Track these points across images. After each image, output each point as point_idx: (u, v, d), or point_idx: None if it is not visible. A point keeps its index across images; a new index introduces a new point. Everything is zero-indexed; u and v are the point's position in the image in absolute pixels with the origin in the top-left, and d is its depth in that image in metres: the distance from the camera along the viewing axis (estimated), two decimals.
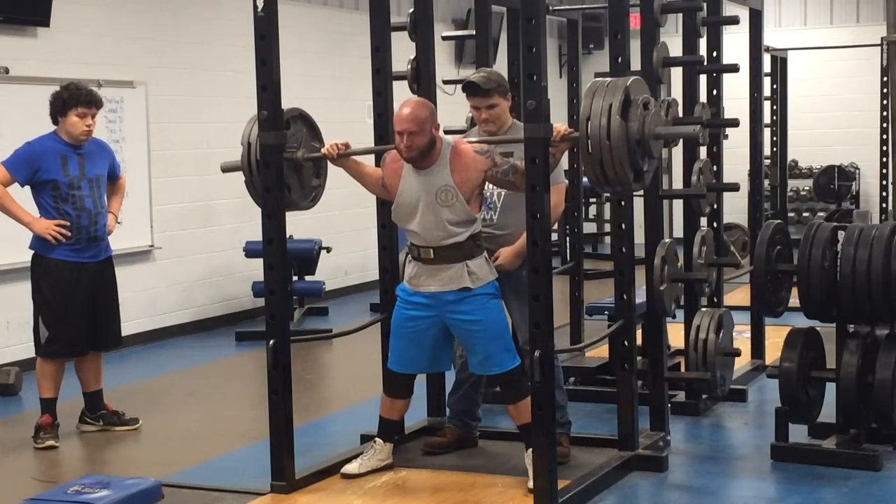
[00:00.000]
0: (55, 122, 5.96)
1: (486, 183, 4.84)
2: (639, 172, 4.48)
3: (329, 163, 5.09)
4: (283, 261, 4.92)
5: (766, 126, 9.38)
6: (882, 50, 10.57)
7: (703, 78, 6.50)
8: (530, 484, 4.68)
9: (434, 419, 5.75)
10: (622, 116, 4.35)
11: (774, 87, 10.28)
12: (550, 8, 7.55)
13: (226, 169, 5.23)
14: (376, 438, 5.17)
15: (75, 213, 5.88)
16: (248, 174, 5.03)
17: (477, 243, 4.84)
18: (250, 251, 8.87)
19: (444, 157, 4.79)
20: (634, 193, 5.17)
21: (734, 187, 6.25)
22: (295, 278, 9.15)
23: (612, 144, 4.33)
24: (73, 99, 5.89)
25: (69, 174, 5.89)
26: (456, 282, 4.80)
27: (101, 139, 6.34)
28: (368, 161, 5.25)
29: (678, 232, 8.65)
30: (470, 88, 5.12)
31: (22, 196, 6.01)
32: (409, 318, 4.93)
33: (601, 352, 6.92)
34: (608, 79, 4.56)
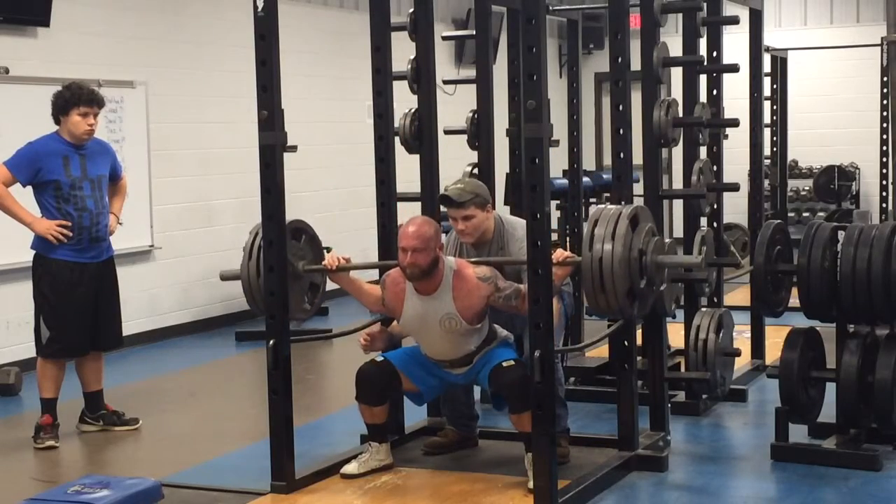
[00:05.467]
0: (57, 121, 5.96)
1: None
2: (640, 299, 4.52)
3: (328, 279, 5.18)
4: (283, 261, 4.92)
5: (766, 126, 9.38)
6: (882, 50, 10.58)
7: (703, 78, 6.50)
8: (530, 484, 4.68)
9: (434, 419, 5.75)
10: (626, 248, 4.39)
11: (774, 87, 10.27)
12: (550, 8, 7.55)
13: (225, 277, 5.27)
14: (371, 442, 5.17)
15: (77, 213, 5.88)
16: (248, 282, 5.07)
17: (487, 340, 4.96)
18: None
19: (447, 282, 4.84)
20: (634, 194, 5.18)
21: (734, 187, 6.25)
22: None
23: (615, 276, 4.38)
24: (75, 98, 5.89)
25: (71, 174, 5.89)
26: (468, 370, 5.00)
27: (102, 139, 6.35)
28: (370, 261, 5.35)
29: (678, 232, 8.65)
30: (445, 201, 5.13)
31: (23, 196, 6.01)
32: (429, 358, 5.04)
33: (601, 352, 6.92)
34: (612, 206, 4.63)
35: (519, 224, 5.12)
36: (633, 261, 4.49)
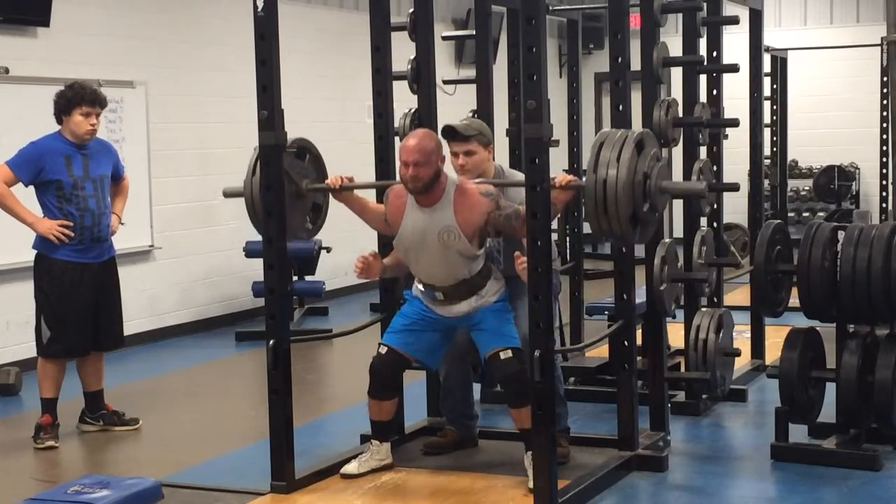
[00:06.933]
0: (59, 121, 5.96)
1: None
2: (643, 225, 4.49)
3: (331, 197, 5.16)
4: (283, 261, 4.92)
5: (766, 126, 9.38)
6: (882, 50, 10.57)
7: (703, 78, 6.50)
8: (530, 484, 4.68)
9: (434, 419, 5.75)
10: (630, 170, 4.37)
11: (774, 87, 10.27)
12: (550, 8, 7.55)
13: (228, 194, 5.27)
14: (372, 440, 5.17)
15: (79, 213, 5.88)
16: (251, 199, 5.06)
17: (483, 275, 4.89)
18: (250, 251, 8.86)
19: (448, 196, 4.81)
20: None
21: (734, 187, 6.25)
22: (295, 278, 9.14)
23: (618, 199, 4.35)
24: (77, 98, 5.88)
25: (73, 174, 5.89)
26: (467, 309, 4.91)
27: (105, 139, 6.35)
28: (369, 194, 5.27)
29: (678, 232, 8.65)
30: (448, 132, 5.10)
31: (25, 196, 6.01)
32: (421, 314, 4.99)
33: (601, 352, 6.92)
34: (618, 130, 4.57)
35: (519, 174, 5.10)
36: (637, 184, 4.42)
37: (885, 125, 11.08)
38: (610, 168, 4.38)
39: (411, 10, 5.71)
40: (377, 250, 5.61)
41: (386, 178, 5.53)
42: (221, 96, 9.35)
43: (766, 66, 9.07)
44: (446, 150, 4.97)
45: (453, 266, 4.84)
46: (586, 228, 10.28)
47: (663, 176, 4.55)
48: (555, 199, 4.57)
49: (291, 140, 5.00)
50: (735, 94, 7.62)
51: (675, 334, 6.34)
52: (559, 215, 4.93)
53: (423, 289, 4.99)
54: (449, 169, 4.92)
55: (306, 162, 5.19)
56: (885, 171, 11.31)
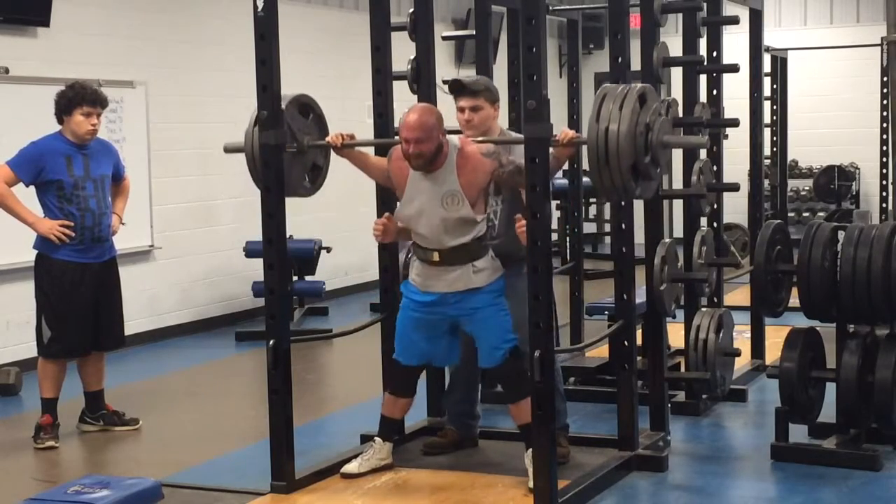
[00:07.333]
0: (60, 121, 5.96)
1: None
2: (644, 178, 4.48)
3: (333, 153, 5.12)
4: (283, 261, 4.92)
5: (766, 126, 9.38)
6: (882, 50, 10.58)
7: (703, 78, 6.50)
8: (530, 484, 4.68)
9: (434, 419, 5.74)
10: (632, 122, 4.35)
11: (774, 87, 10.27)
12: (550, 8, 7.56)
13: (229, 149, 5.25)
14: (376, 438, 5.17)
15: (79, 213, 5.88)
16: (251, 153, 5.03)
17: (483, 244, 4.86)
18: (250, 251, 8.86)
19: (451, 160, 4.79)
20: None
21: (734, 187, 6.26)
22: (295, 278, 9.14)
23: (619, 151, 4.34)
24: (78, 98, 5.88)
25: (74, 174, 5.89)
26: (462, 282, 4.83)
27: (105, 140, 6.35)
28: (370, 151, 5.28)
29: (678, 232, 8.65)
30: (456, 87, 5.09)
31: (26, 196, 6.01)
32: (416, 317, 4.95)
33: (601, 352, 6.92)
34: (620, 85, 4.56)
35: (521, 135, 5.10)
36: (639, 135, 4.40)
37: (885, 125, 11.08)
38: (612, 120, 4.37)
39: (411, 10, 5.71)
40: (377, 250, 5.62)
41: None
42: (221, 96, 9.35)
43: (766, 66, 9.08)
44: (448, 117, 4.92)
45: (453, 230, 4.79)
46: (586, 228, 10.34)
47: (665, 130, 4.52)
48: (558, 154, 4.57)
49: (294, 96, 4.98)
50: (735, 94, 7.62)
51: (675, 334, 6.34)
52: (563, 166, 4.88)
53: (419, 256, 4.92)
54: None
55: (309, 120, 5.17)
56: (885, 171, 11.32)
